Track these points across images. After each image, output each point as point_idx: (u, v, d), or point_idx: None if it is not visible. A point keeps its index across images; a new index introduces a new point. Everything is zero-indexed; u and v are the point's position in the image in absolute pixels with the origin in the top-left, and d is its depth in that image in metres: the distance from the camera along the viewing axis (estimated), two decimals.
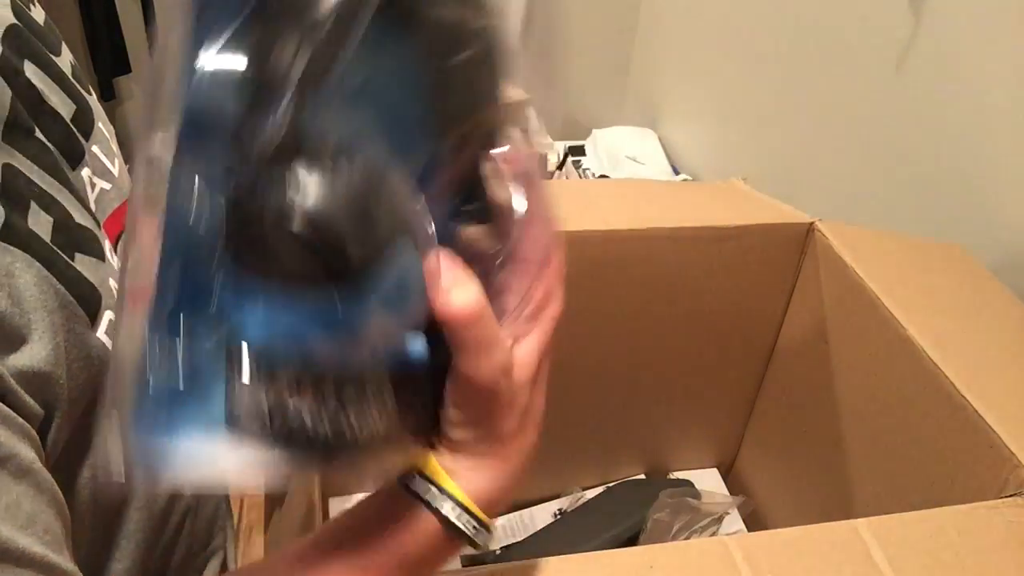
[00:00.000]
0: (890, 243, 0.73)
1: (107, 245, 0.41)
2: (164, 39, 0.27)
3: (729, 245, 0.73)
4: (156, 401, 0.28)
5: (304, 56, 0.26)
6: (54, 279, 0.35)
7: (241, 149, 0.27)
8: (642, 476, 0.91)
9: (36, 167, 0.37)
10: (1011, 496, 0.50)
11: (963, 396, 0.55)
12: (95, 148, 0.44)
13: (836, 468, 0.72)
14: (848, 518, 0.47)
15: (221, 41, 0.27)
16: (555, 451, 0.85)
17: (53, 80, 0.41)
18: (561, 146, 1.46)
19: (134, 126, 2.45)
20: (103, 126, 0.47)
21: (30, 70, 0.39)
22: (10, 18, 0.40)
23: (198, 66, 0.27)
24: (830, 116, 1.07)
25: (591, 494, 0.88)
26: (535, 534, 0.84)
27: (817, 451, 0.75)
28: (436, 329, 0.32)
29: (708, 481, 0.91)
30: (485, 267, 0.35)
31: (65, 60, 0.44)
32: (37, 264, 0.34)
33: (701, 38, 1.40)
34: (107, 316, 0.38)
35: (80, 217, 0.39)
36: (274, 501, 0.57)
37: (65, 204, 0.38)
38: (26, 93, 0.38)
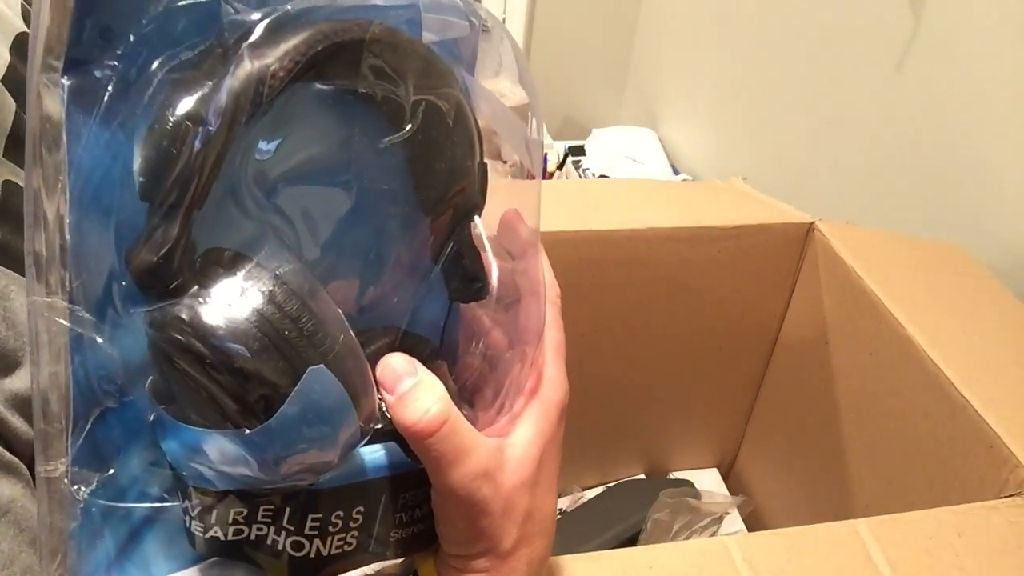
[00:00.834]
0: (890, 243, 0.73)
1: None
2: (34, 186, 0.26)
3: (729, 245, 0.73)
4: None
5: (183, 182, 0.26)
6: None
7: (138, 278, 0.27)
8: (642, 476, 0.91)
9: None
10: (1011, 496, 0.50)
11: (963, 396, 0.55)
12: None
13: (836, 468, 0.72)
14: (848, 518, 0.47)
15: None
16: None
17: None
18: (561, 146, 1.46)
19: None
20: None
21: None
22: (21, 26, 0.39)
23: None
24: (830, 116, 1.07)
25: (591, 494, 0.88)
26: None
27: (817, 451, 0.75)
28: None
29: (708, 481, 0.91)
30: (471, 349, 0.34)
31: None
32: None
33: (701, 38, 1.40)
34: None
35: None
36: None
37: None
38: None
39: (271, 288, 0.27)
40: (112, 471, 0.29)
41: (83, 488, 0.28)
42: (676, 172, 1.44)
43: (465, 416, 0.30)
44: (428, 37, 0.33)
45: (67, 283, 0.27)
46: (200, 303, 0.26)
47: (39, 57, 0.26)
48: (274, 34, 0.27)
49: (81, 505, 0.28)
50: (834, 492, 0.72)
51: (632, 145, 1.48)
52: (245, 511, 0.29)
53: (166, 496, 0.30)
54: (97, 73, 0.27)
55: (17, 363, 0.32)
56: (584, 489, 0.89)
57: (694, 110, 1.44)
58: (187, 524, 0.30)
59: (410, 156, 0.34)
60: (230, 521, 0.29)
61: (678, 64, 1.49)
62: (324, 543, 0.30)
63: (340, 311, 0.29)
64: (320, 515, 0.30)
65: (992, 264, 0.71)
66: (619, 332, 0.77)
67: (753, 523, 0.86)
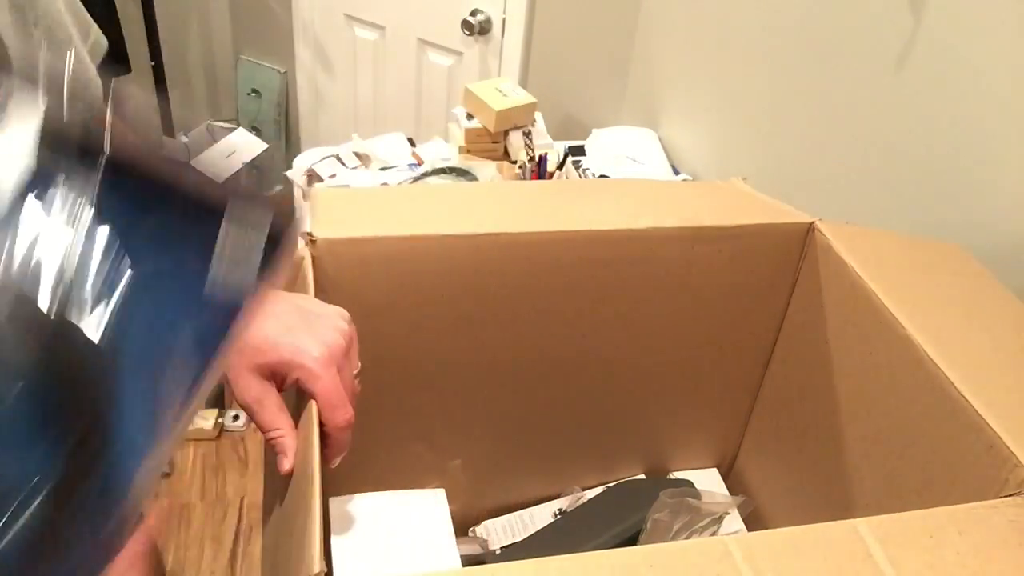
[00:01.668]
0: (890, 243, 0.73)
1: None
2: None
3: (729, 245, 0.73)
4: None
5: None
6: None
7: None
8: (642, 476, 0.91)
9: None
10: (1011, 496, 0.50)
11: (963, 396, 0.55)
12: None
13: (836, 468, 0.72)
14: (848, 518, 0.47)
15: None
16: (555, 451, 0.85)
17: None
18: (561, 146, 1.46)
19: None
20: None
21: None
22: None
23: None
24: (830, 116, 1.07)
25: (591, 494, 0.88)
26: (535, 534, 0.84)
27: (817, 451, 0.75)
28: None
29: (708, 481, 0.91)
30: None
31: None
32: None
33: (701, 38, 1.40)
34: None
35: None
36: (273, 501, 0.57)
37: None
38: None
39: None
40: None
41: None
42: (676, 172, 1.44)
43: None
44: None
45: None
46: None
47: None
48: None
49: None
50: (834, 492, 0.72)
51: (632, 145, 1.48)
52: None
53: None
54: None
55: None
56: (584, 489, 0.89)
57: (694, 110, 1.44)
58: None
59: None
60: None
61: (678, 64, 1.49)
62: None
63: None
64: None
65: (992, 264, 0.71)
66: (619, 332, 0.77)
67: (753, 523, 0.86)
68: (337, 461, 0.52)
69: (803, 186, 1.13)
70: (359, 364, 0.54)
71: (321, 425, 0.50)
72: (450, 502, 0.62)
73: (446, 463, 0.82)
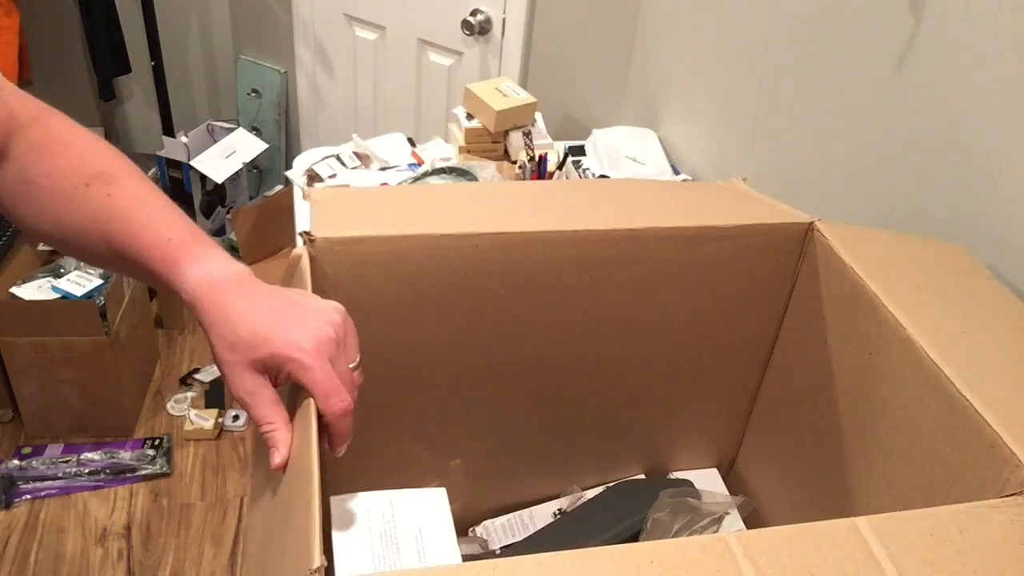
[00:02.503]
0: (890, 243, 0.73)
1: None
2: None
3: (729, 245, 0.73)
4: None
5: None
6: None
7: None
8: (642, 476, 0.91)
9: None
10: (1011, 496, 0.50)
11: (963, 396, 0.55)
12: None
13: (836, 468, 0.72)
14: (848, 517, 0.47)
15: None
16: (555, 451, 0.85)
17: None
18: (561, 146, 1.46)
19: (134, 126, 2.44)
20: None
21: None
22: None
23: None
24: (830, 116, 1.07)
25: (591, 494, 0.88)
26: (535, 534, 0.84)
27: (817, 451, 0.75)
28: None
29: (708, 481, 0.91)
30: None
31: None
32: None
33: (701, 38, 1.40)
34: None
35: None
36: (261, 498, 0.57)
37: None
38: None
39: None
40: None
41: None
42: (676, 172, 1.45)
43: None
44: None
45: None
46: None
47: None
48: None
49: None
50: (834, 492, 0.72)
51: (632, 145, 1.48)
52: None
53: None
54: None
55: None
56: (584, 489, 0.89)
57: (694, 110, 1.44)
58: None
59: None
60: None
61: (678, 64, 1.49)
62: None
63: None
64: None
65: (992, 264, 0.71)
66: (619, 332, 0.77)
67: (753, 523, 0.86)
68: (342, 450, 0.52)
69: (803, 186, 1.13)
70: (358, 356, 0.54)
71: (321, 417, 0.50)
72: (450, 502, 0.62)
73: (446, 463, 0.82)
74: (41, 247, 1.95)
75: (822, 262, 0.73)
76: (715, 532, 0.83)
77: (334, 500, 0.59)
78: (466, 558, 0.74)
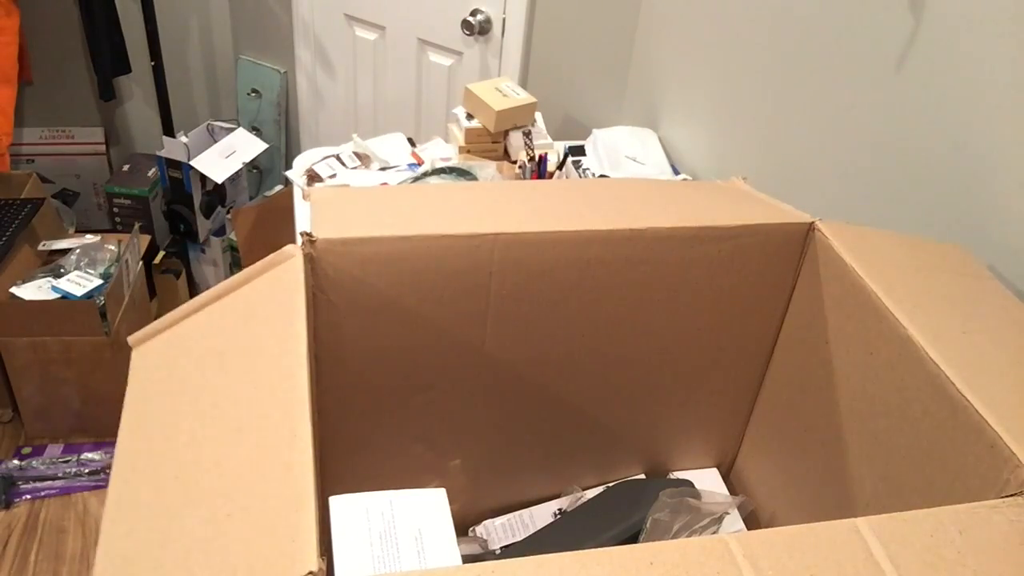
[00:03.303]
0: (890, 243, 0.73)
1: None
2: None
3: (729, 245, 0.73)
4: None
5: None
6: None
7: None
8: (642, 476, 0.91)
9: None
10: (1012, 496, 0.50)
11: (963, 396, 0.55)
12: None
13: (836, 468, 0.72)
14: (848, 518, 0.47)
15: None
16: (555, 451, 0.85)
17: None
18: (561, 146, 1.46)
19: (134, 126, 2.44)
20: None
21: None
22: None
23: None
24: (830, 116, 1.07)
25: (591, 494, 0.88)
26: (535, 534, 0.84)
27: (817, 451, 0.75)
28: None
29: (708, 481, 0.91)
30: None
31: None
32: None
33: (701, 38, 1.40)
34: None
35: None
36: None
37: None
38: None
39: None
40: None
41: None
42: (676, 172, 1.45)
43: None
44: None
45: None
46: None
47: None
48: None
49: None
50: (834, 492, 0.72)
51: (632, 145, 1.48)
52: None
53: None
54: None
55: None
56: (584, 489, 0.89)
57: (694, 110, 1.44)
58: None
59: None
60: None
61: (678, 64, 1.49)
62: None
63: None
64: None
65: (992, 264, 0.71)
66: (619, 332, 0.77)
67: (753, 523, 0.86)
68: None
69: (803, 186, 1.13)
70: None
71: (320, 415, 0.49)
72: (450, 502, 0.62)
73: (446, 463, 0.82)
74: (41, 247, 1.95)
75: (822, 262, 0.73)
76: (715, 532, 0.83)
77: (333, 500, 0.59)
78: (466, 558, 0.74)
